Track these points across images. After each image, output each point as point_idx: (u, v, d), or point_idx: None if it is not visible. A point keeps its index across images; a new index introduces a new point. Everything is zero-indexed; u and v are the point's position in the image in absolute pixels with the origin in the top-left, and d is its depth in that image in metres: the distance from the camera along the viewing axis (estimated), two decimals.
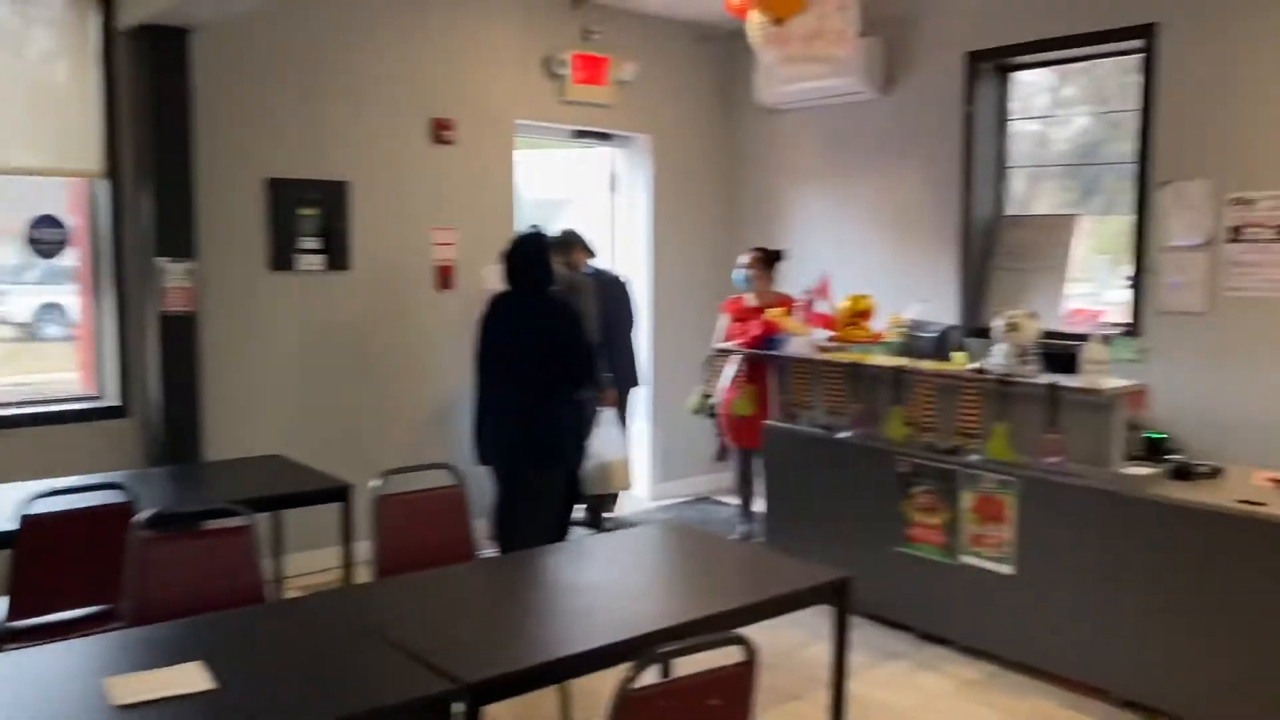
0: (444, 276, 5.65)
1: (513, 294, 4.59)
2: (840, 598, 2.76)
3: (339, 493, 3.69)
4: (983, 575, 4.18)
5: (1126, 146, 5.28)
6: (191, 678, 2.05)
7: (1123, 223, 5.32)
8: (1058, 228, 5.58)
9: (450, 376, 5.70)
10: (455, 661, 2.13)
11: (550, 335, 4.46)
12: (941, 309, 5.72)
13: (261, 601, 2.83)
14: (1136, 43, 5.02)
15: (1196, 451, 4.21)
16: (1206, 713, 3.56)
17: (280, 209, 5.06)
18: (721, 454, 5.63)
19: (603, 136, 6.53)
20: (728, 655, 2.03)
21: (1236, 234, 4.70)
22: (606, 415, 5.61)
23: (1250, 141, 4.63)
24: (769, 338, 5.00)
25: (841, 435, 4.64)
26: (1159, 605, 3.65)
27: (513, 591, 2.76)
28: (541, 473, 4.54)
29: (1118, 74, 5.41)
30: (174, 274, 4.60)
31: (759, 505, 5.80)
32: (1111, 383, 3.83)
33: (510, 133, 5.90)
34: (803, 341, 4.82)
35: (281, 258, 5.09)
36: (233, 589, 2.81)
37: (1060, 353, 4.12)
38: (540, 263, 4.53)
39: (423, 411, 5.65)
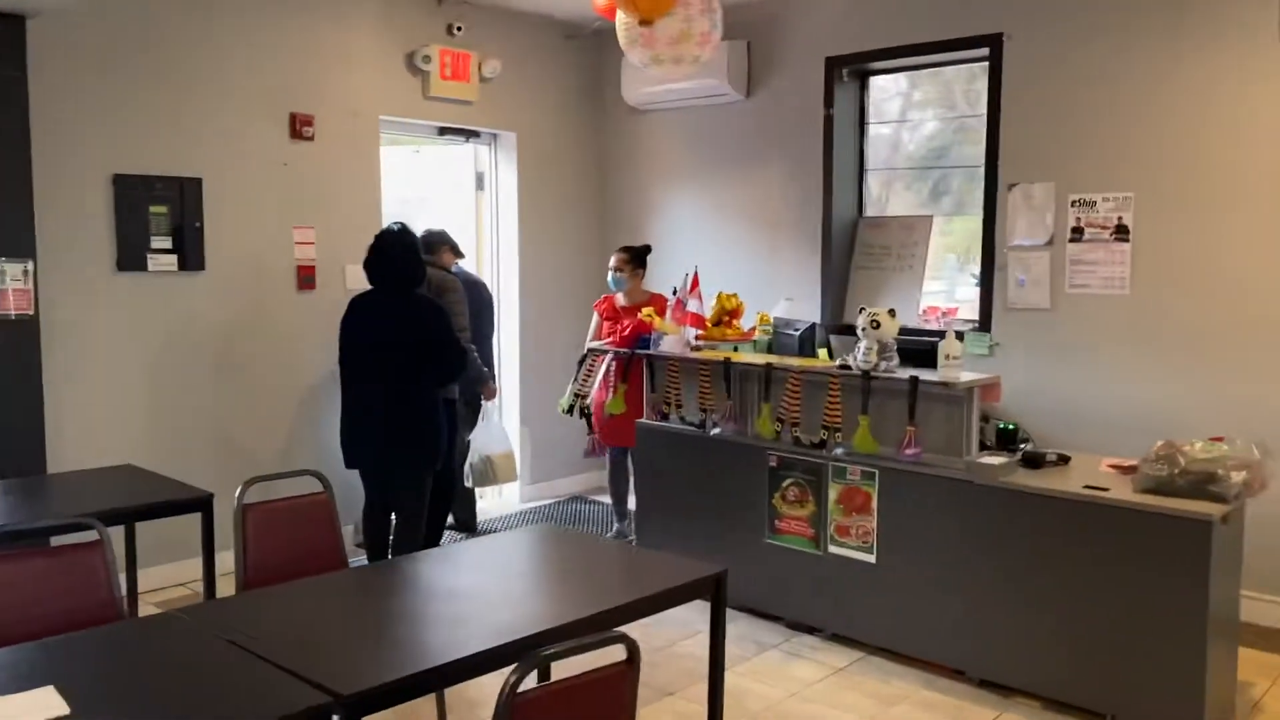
0: (304, 276, 5.49)
1: (376, 293, 4.57)
2: (717, 592, 2.79)
3: (199, 503, 3.53)
4: (849, 565, 4.31)
5: (972, 150, 5.53)
6: (43, 703, 1.93)
7: (971, 223, 5.57)
8: (914, 228, 5.79)
9: (313, 380, 5.55)
10: (329, 674, 2.07)
11: (416, 334, 4.44)
12: (806, 307, 5.88)
13: (116, 620, 2.69)
14: (983, 51, 5.26)
15: (1043, 441, 4.45)
16: (1058, 688, 3.75)
17: (128, 206, 4.82)
18: (591, 451, 5.64)
19: (468, 134, 6.45)
20: (609, 655, 2.03)
21: (1078, 234, 4.98)
22: (488, 409, 5.62)
23: (1089, 146, 4.91)
24: (641, 336, 5.03)
25: (713, 432, 4.71)
26: (1010, 588, 3.83)
27: (385, 599, 2.70)
28: (411, 473, 4.53)
29: (964, 80, 5.65)
30: (10, 275, 4.33)
31: (633, 503, 5.85)
32: (967, 376, 3.99)
33: (374, 129, 5.77)
34: (674, 340, 4.87)
35: (130, 257, 4.84)
36: (85, 608, 2.66)
37: (918, 348, 4.28)
38: (405, 261, 4.49)
39: (285, 417, 5.47)
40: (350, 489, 4.61)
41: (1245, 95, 4.48)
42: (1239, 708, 3.79)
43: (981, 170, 5.33)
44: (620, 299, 5.71)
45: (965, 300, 5.70)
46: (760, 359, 4.58)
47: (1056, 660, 3.73)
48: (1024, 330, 5.14)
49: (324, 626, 2.47)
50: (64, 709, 1.92)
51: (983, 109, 5.32)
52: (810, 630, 4.50)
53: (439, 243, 5.43)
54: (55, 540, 2.95)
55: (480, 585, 2.80)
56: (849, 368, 4.21)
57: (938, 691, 3.96)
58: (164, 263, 4.95)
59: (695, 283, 4.92)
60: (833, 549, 4.37)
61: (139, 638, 2.40)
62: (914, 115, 5.96)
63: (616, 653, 2.03)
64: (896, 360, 4.13)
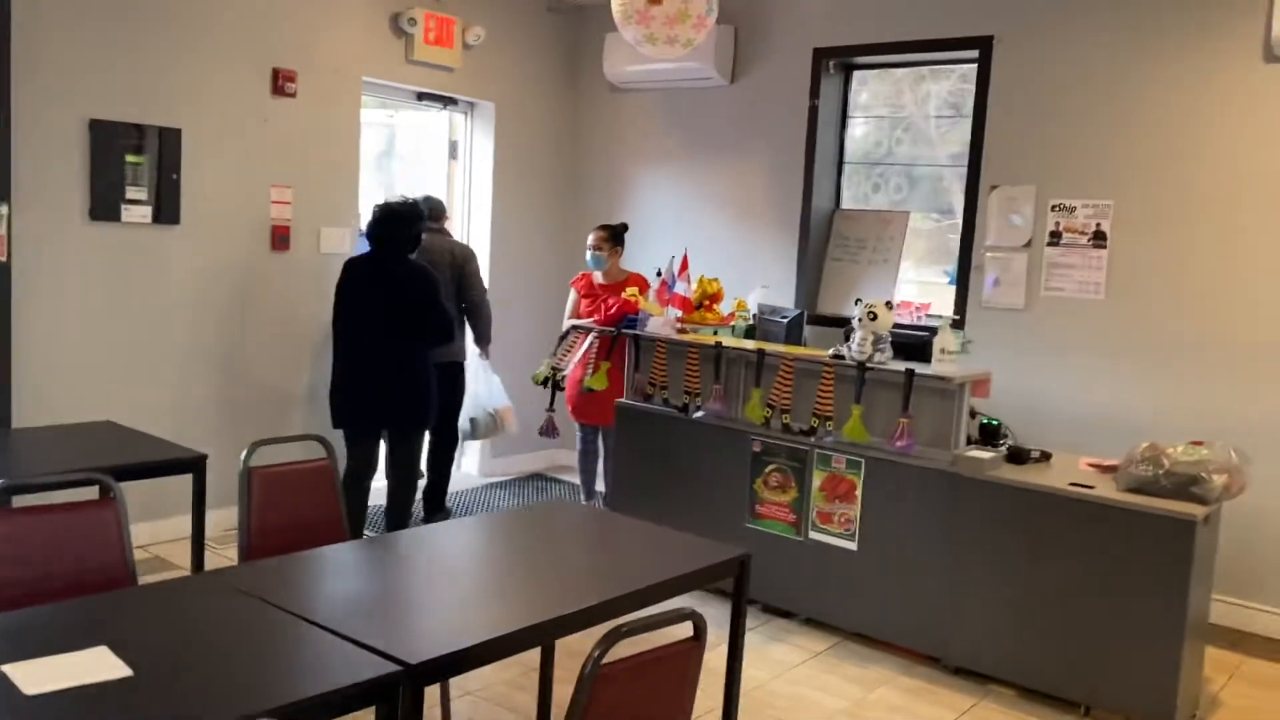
0: (279, 236, 5.34)
1: (373, 258, 4.65)
2: (740, 575, 2.81)
3: (192, 463, 3.43)
4: (829, 551, 4.38)
5: (913, 150, 5.68)
6: (102, 664, 1.87)
7: (937, 221, 5.70)
8: (890, 222, 5.88)
9: (281, 343, 5.42)
10: (392, 642, 2.04)
11: (411, 298, 4.58)
12: (780, 296, 5.93)
13: (131, 583, 2.61)
14: (972, 53, 5.35)
15: (1016, 438, 4.56)
16: (1034, 677, 3.87)
17: (104, 154, 4.63)
18: (547, 430, 5.58)
19: (445, 101, 6.34)
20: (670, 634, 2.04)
21: (1056, 238, 5.11)
22: (486, 367, 5.73)
23: (1073, 153, 5.04)
24: (626, 316, 5.02)
25: (696, 415, 4.73)
26: (991, 580, 3.94)
27: (422, 568, 2.66)
28: (405, 434, 4.73)
29: (911, 81, 5.76)
30: None
31: (601, 485, 5.85)
32: (960, 370, 4.08)
33: (356, 90, 5.64)
34: (661, 321, 4.87)
35: (104, 207, 4.66)
36: (100, 569, 2.57)
37: (909, 341, 4.35)
38: (411, 227, 4.69)
39: (258, 377, 5.33)
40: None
41: (1228, 109, 4.64)
42: (1200, 702, 3.95)
43: (934, 170, 5.43)
44: (598, 277, 5.69)
45: (938, 298, 5.81)
46: (753, 345, 4.61)
47: (1034, 650, 3.85)
48: (998, 329, 5.26)
49: (372, 594, 2.42)
50: (125, 670, 1.86)
51: (931, 111, 5.44)
52: (785, 614, 4.56)
53: (443, 211, 5.42)
54: (33, 499, 2.80)
55: (510, 557, 2.78)
56: (842, 357, 4.26)
57: (915, 677, 4.05)
58: (138, 214, 4.78)
59: (685, 264, 4.93)
60: (813, 535, 4.43)
61: (182, 599, 2.32)
62: (857, 114, 6.05)
63: (687, 629, 2.05)
64: (890, 352, 4.20)
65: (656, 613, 2.00)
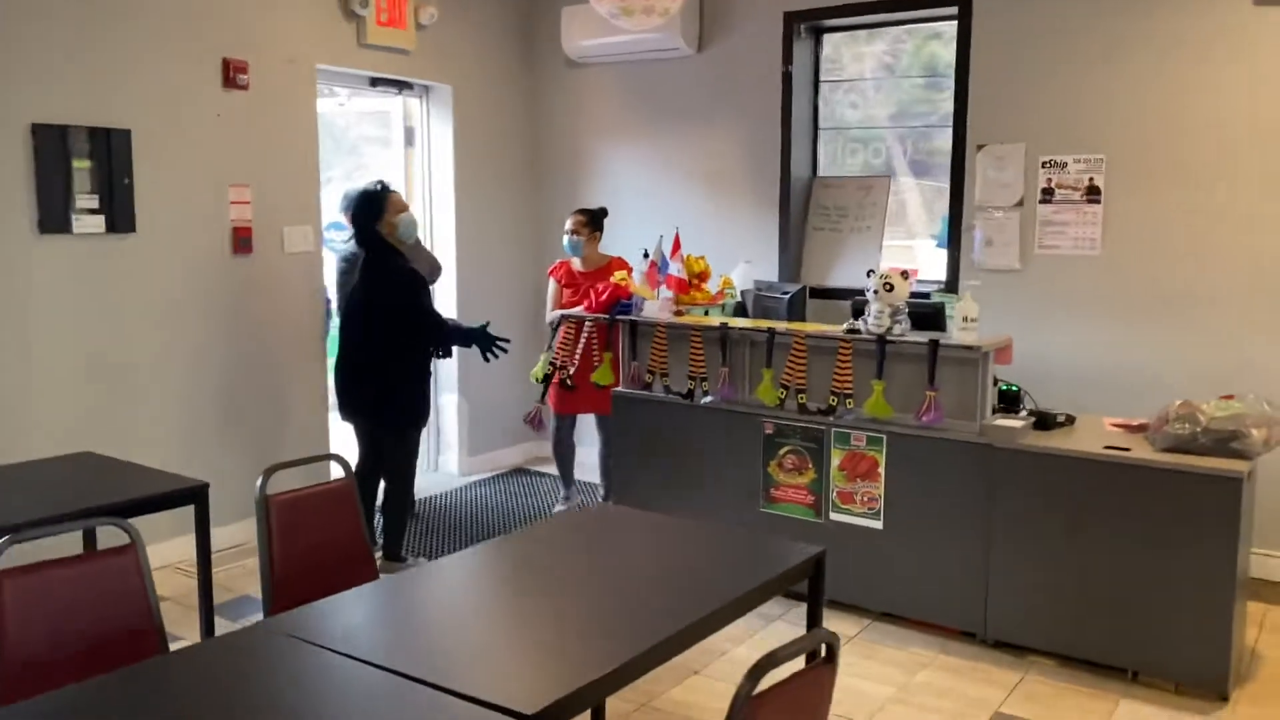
0: (241, 239, 5.01)
1: (357, 255, 4.64)
2: (817, 573, 2.65)
3: (193, 494, 3.15)
4: (852, 531, 4.25)
5: (853, 114, 5.59)
6: None
7: (925, 185, 5.59)
8: (871, 188, 5.75)
9: (255, 354, 5.10)
10: (498, 691, 1.83)
11: (398, 300, 4.51)
12: (763, 269, 5.78)
13: (161, 648, 2.34)
14: (951, 9, 5.22)
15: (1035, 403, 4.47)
16: (1076, 646, 3.79)
17: (49, 161, 4.26)
18: (533, 420, 5.32)
19: (401, 86, 6.03)
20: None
21: (1048, 195, 5.02)
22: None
23: (1061, 107, 4.94)
24: (619, 301, 4.81)
25: (704, 401, 4.55)
26: (1029, 550, 3.84)
27: (476, 602, 2.44)
28: (398, 432, 4.68)
29: (860, 44, 5.63)
30: None
31: (579, 474, 5.67)
32: (983, 338, 3.96)
33: (311, 78, 5.31)
34: (656, 305, 4.67)
35: (54, 218, 4.30)
36: (124, 629, 2.31)
37: (920, 310, 4.22)
38: (369, 217, 4.54)
39: (229, 394, 5.00)
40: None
41: (1220, 57, 4.58)
42: (1243, 659, 3.92)
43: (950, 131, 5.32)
44: (577, 263, 5.46)
45: (929, 262, 5.70)
46: (763, 324, 4.44)
47: (1075, 619, 3.77)
48: (994, 291, 5.16)
49: (450, 634, 2.19)
50: None
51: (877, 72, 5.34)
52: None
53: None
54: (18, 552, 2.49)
55: (570, 577, 2.57)
56: (858, 331, 4.12)
57: (956, 656, 3.95)
58: (91, 224, 4.42)
59: (677, 244, 4.73)
60: (834, 516, 4.29)
61: (235, 660, 2.06)
62: (873, 76, 5.92)
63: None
64: (908, 324, 4.06)
65: (794, 639, 1.81)
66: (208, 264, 4.89)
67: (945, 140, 5.51)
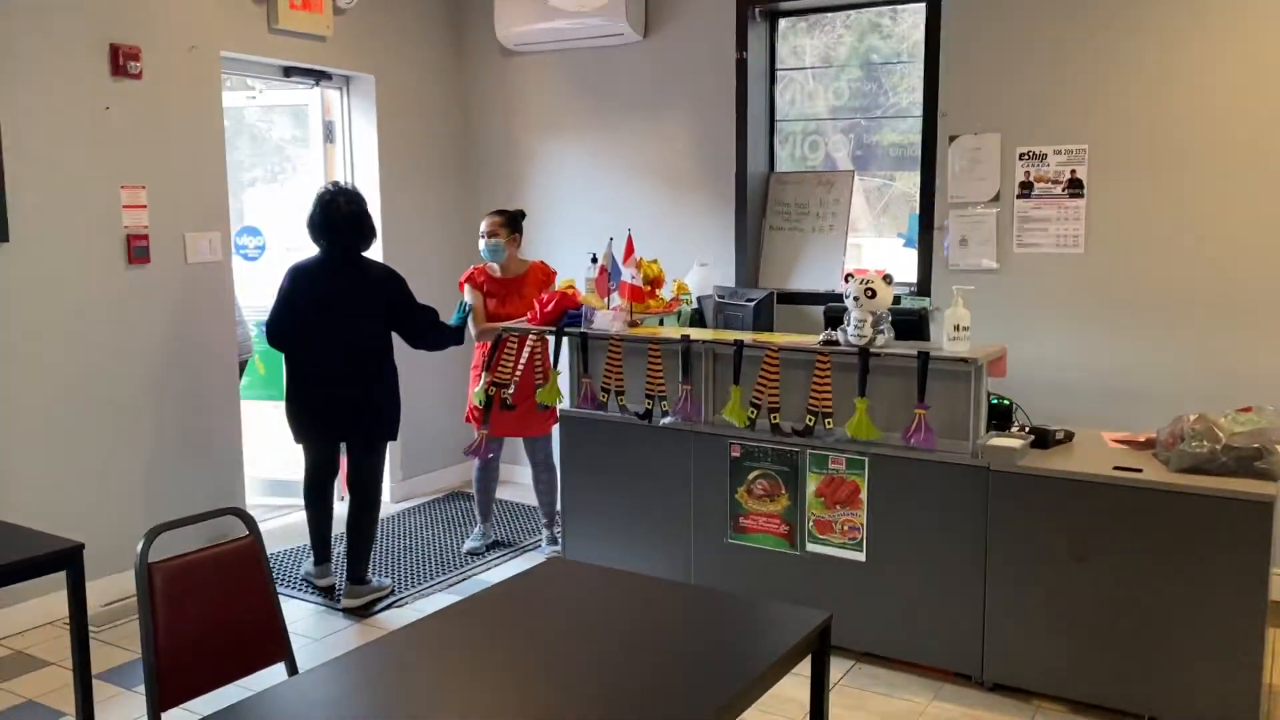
0: (136, 247, 4.43)
1: (326, 259, 4.33)
2: (823, 641, 2.21)
3: (66, 556, 2.61)
4: (832, 564, 3.83)
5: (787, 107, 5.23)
6: None
7: (868, 180, 5.21)
8: (833, 184, 5.34)
9: (148, 379, 4.52)
10: None
11: (381, 303, 4.36)
12: (721, 273, 5.35)
13: None
14: None
15: (1029, 418, 4.10)
16: (1087, 690, 3.41)
17: None
18: (478, 449, 4.77)
19: (318, 76, 5.48)
20: None
21: (1027, 189, 4.66)
22: None
23: (1038, 96, 4.58)
24: (566, 312, 4.33)
25: (664, 422, 4.09)
26: (1032, 583, 3.46)
27: (450, 689, 1.96)
28: (373, 446, 4.45)
29: (799, 36, 5.24)
30: None
31: (495, 499, 5.17)
32: (974, 349, 3.57)
33: (215, 67, 4.74)
34: (609, 316, 4.21)
35: None
36: None
37: (902, 318, 3.82)
38: (361, 221, 4.34)
39: (121, 424, 4.42)
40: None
41: (1207, 44, 4.25)
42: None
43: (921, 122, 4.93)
44: (495, 270, 4.95)
45: (897, 262, 5.31)
46: (729, 335, 4.00)
47: (1085, 659, 3.39)
48: (969, 294, 4.78)
49: None
50: None
51: (812, 61, 4.96)
52: None
53: None
54: None
55: (534, 671, 2.09)
56: (836, 343, 3.69)
57: (951, 701, 3.55)
58: None
59: (630, 248, 4.26)
60: (811, 547, 3.87)
61: None
62: (829, 64, 5.52)
63: None
64: (892, 334, 3.65)
65: None
66: (98, 276, 4.31)
67: (892, 133, 5.14)
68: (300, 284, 4.29)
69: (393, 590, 4.54)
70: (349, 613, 4.34)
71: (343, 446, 4.56)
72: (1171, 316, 4.40)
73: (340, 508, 4.67)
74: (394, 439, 4.52)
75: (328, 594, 4.49)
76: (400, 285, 4.43)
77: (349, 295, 4.28)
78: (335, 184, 4.41)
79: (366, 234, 4.35)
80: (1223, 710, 3.19)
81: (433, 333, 4.52)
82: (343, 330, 4.27)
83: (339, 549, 4.72)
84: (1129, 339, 4.49)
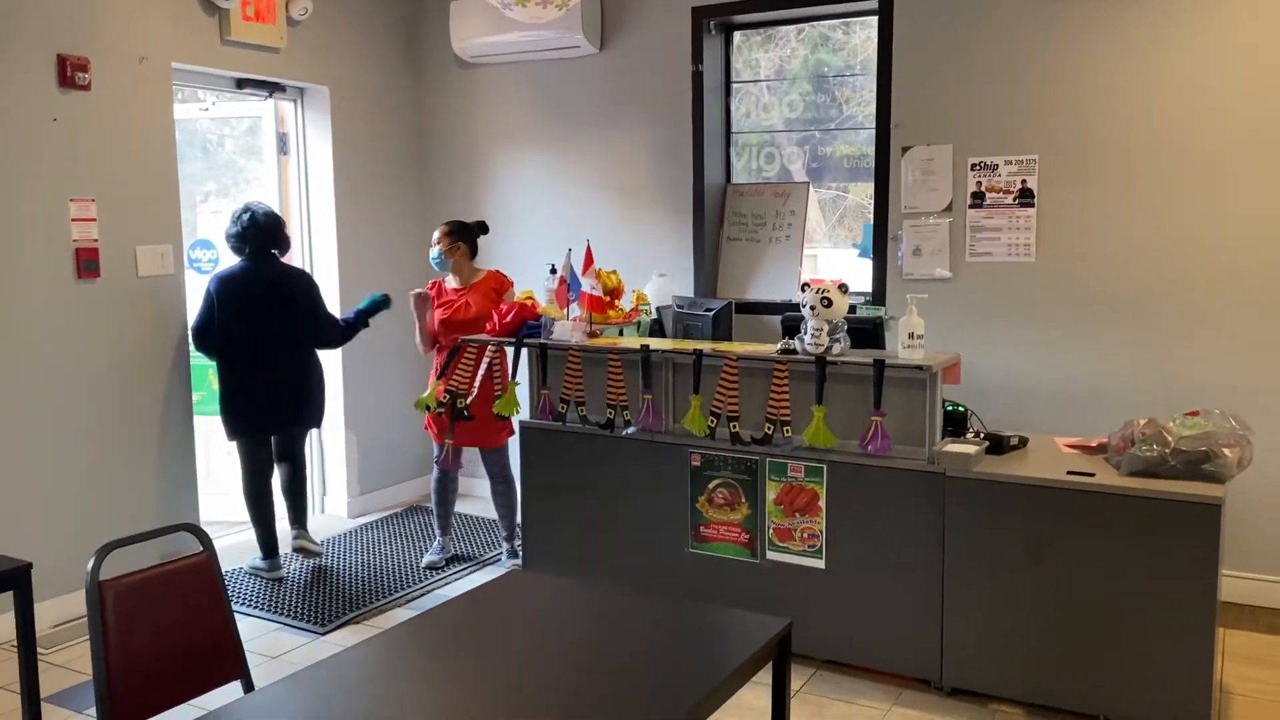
0: (85, 261, 4.37)
1: (250, 264, 4.69)
2: (784, 649, 2.22)
3: (13, 577, 2.56)
4: (792, 572, 3.85)
5: (759, 119, 5.28)
6: None
7: (822, 191, 5.26)
8: (789, 195, 5.39)
9: (97, 395, 4.45)
10: None
11: (297, 300, 4.73)
12: (679, 283, 5.37)
13: None
14: (871, 3, 4.90)
15: (984, 424, 4.15)
16: (1042, 692, 3.45)
17: None
18: (448, 460, 4.75)
19: (271, 88, 5.43)
20: None
21: (979, 199, 4.73)
22: None
23: (990, 107, 4.65)
24: (525, 323, 4.32)
25: (627, 432, 4.09)
26: (988, 587, 3.49)
27: (422, 706, 1.94)
28: (305, 431, 5.00)
29: (749, 50, 5.30)
30: None
31: (456, 512, 5.16)
32: (929, 356, 3.61)
33: (166, 79, 4.69)
34: (568, 326, 4.21)
35: None
36: None
37: (857, 326, 3.86)
38: (277, 230, 4.75)
39: (70, 439, 4.34)
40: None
41: (1155, 55, 4.34)
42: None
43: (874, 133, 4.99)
44: (450, 280, 4.94)
45: (850, 272, 5.36)
46: (689, 345, 4.01)
47: (1041, 661, 3.43)
48: (925, 303, 4.84)
49: None
50: None
51: (767, 74, 5.02)
52: None
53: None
54: None
55: (526, 669, 2.08)
56: (794, 351, 3.72)
57: (911, 706, 3.58)
58: None
59: (589, 258, 4.26)
60: (772, 555, 3.89)
61: None
62: (782, 77, 5.57)
63: None
64: (848, 342, 3.68)
65: None
66: (46, 290, 4.23)
67: (845, 145, 5.21)
68: (225, 289, 4.62)
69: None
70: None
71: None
72: (1121, 323, 4.49)
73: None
74: (318, 424, 5.00)
75: (279, 584, 4.81)
76: (310, 283, 4.85)
77: (271, 295, 4.65)
78: (253, 203, 4.80)
79: (282, 241, 4.77)
80: (1175, 709, 3.24)
81: (323, 331, 4.85)
82: (267, 328, 4.64)
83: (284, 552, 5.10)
84: (1080, 346, 4.56)
